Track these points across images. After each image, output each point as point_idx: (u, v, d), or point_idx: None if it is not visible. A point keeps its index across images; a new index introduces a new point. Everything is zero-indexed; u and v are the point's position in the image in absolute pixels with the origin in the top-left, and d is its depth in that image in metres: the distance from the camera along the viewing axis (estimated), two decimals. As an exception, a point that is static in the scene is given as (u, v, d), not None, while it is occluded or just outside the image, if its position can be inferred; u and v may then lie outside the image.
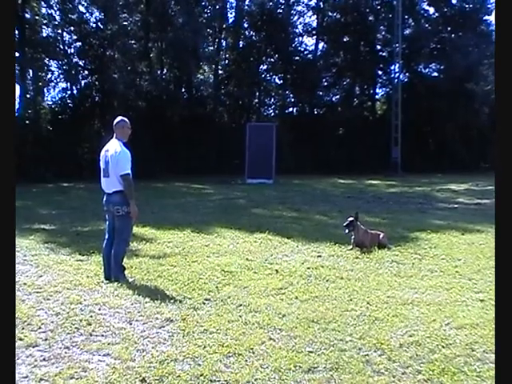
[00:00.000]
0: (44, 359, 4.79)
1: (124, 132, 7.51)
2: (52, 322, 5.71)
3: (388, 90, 40.09)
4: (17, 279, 7.22)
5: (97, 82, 30.77)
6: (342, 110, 39.23)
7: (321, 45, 40.42)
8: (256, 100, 38.42)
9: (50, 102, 31.01)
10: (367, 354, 4.95)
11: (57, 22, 30.05)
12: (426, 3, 40.64)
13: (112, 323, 5.72)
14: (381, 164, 33.48)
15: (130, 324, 5.71)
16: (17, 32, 25.61)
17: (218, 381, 4.40)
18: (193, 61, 31.88)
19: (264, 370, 4.58)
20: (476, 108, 40.07)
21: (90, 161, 23.01)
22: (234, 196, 19.76)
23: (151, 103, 31.34)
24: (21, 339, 5.15)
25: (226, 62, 37.99)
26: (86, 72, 31.06)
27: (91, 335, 5.38)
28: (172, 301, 6.43)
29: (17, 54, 24.79)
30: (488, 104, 39.52)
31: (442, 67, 40.04)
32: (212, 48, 36.70)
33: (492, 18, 40.12)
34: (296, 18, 39.34)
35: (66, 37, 30.77)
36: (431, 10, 40.68)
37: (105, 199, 7.51)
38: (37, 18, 29.40)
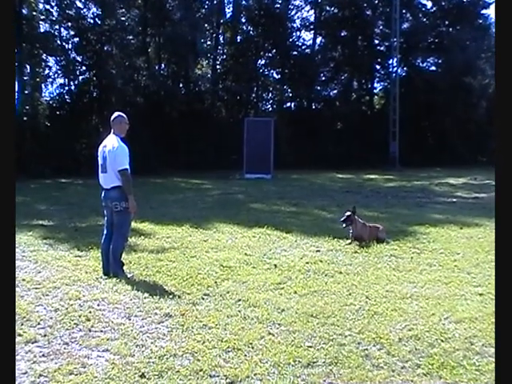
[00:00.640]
0: (43, 355, 4.79)
1: (121, 127, 7.50)
2: (51, 318, 5.70)
3: (386, 84, 40.10)
4: (15, 275, 7.22)
5: (95, 78, 30.70)
6: (340, 105, 39.22)
7: (318, 39, 40.45)
8: (254, 95, 38.35)
9: (48, 98, 30.97)
10: (366, 349, 4.96)
11: (54, 18, 29.94)
12: (423, -3, 40.63)
13: (111, 319, 5.72)
14: (379, 158, 33.46)
15: (129, 319, 5.71)
16: (14, 28, 25.52)
17: (218, 376, 4.40)
18: (191, 56, 31.86)
19: (263, 365, 4.58)
20: (474, 102, 40.10)
21: (88, 156, 22.94)
22: (232, 191, 19.75)
23: (149, 98, 31.32)
24: (20, 335, 5.15)
25: (224, 56, 37.91)
26: (84, 67, 30.96)
27: (90, 331, 5.38)
28: (171, 296, 6.43)
29: (14, 50, 24.71)
30: (486, 98, 39.59)
31: (439, 61, 40.04)
32: (210, 43, 36.62)
33: (489, 12, 40.16)
34: (294, 12, 39.38)
35: (64, 32, 30.72)
36: (429, 3, 40.71)
37: (103, 195, 7.50)
38: (34, 13, 29.25)
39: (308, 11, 39.96)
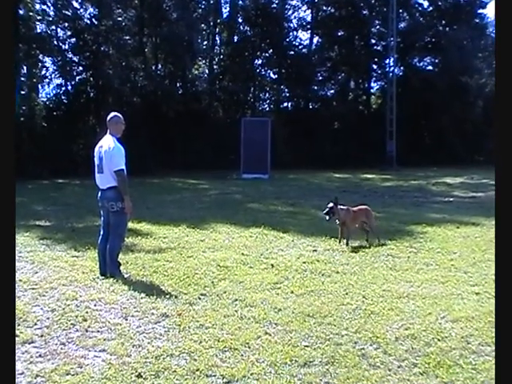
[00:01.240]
0: (40, 355, 4.79)
1: (117, 127, 7.50)
2: (48, 319, 5.70)
3: (383, 84, 40.08)
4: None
5: (91, 78, 30.65)
6: (337, 105, 39.23)
7: (315, 39, 40.46)
8: (251, 95, 38.33)
9: (45, 99, 30.91)
10: (363, 348, 4.96)
11: (51, 18, 29.89)
12: (420, -3, 40.66)
13: (108, 319, 5.72)
14: (376, 158, 33.48)
15: (126, 319, 5.71)
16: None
17: (214, 375, 4.40)
18: (187, 56, 31.82)
19: (260, 365, 4.58)
20: (471, 101, 40.16)
21: (85, 157, 22.84)
22: (229, 191, 19.75)
23: (146, 99, 31.30)
24: (17, 336, 5.13)
25: (221, 56, 37.90)
26: (81, 68, 30.91)
27: (87, 331, 5.38)
28: (168, 296, 6.43)
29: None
30: (482, 97, 39.66)
31: (436, 61, 40.12)
32: (207, 43, 36.65)
33: (486, 11, 40.29)
34: (290, 12, 39.41)
35: (60, 33, 30.67)
36: (426, 3, 40.74)
37: (99, 195, 7.50)
38: (31, 13, 29.16)
39: (305, 11, 40.06)
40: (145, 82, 31.94)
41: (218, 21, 37.06)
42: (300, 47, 39.36)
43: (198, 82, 35.77)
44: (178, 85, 35.09)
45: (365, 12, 39.86)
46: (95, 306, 6.15)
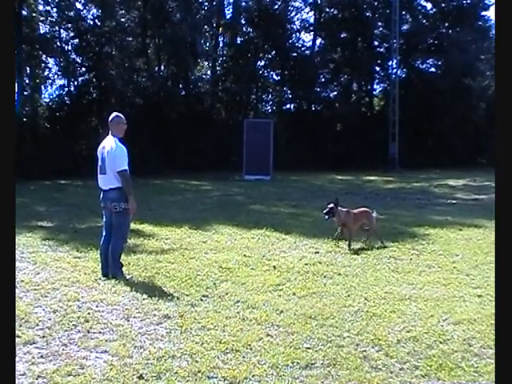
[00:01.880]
0: (41, 356, 4.79)
1: (119, 128, 7.50)
2: (49, 319, 5.70)
3: (385, 85, 40.03)
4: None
5: (94, 79, 30.71)
6: (339, 106, 39.19)
7: (318, 41, 40.42)
8: (253, 96, 38.30)
9: (48, 99, 31.04)
10: (365, 350, 4.96)
11: (54, 19, 29.98)
12: (423, -1, 40.61)
13: (109, 320, 5.72)
14: (378, 160, 33.44)
15: (128, 321, 5.71)
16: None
17: (216, 377, 4.40)
18: (190, 57, 31.83)
19: (261, 367, 4.58)
20: (473, 103, 40.06)
21: (87, 158, 22.94)
22: (231, 192, 19.75)
23: (149, 100, 31.31)
24: (18, 336, 5.14)
25: (224, 58, 37.87)
26: (84, 69, 30.99)
27: (89, 332, 5.38)
28: (169, 297, 6.43)
29: (14, 51, 24.72)
30: (485, 99, 39.55)
31: (439, 63, 40.01)
32: (209, 44, 36.67)
33: (489, 14, 40.17)
34: (293, 13, 39.33)
35: (63, 34, 30.74)
36: (429, 5, 40.59)
37: (102, 196, 7.49)
38: (34, 14, 29.31)
39: (308, 13, 40.01)
40: (147, 83, 31.96)
41: (221, 22, 37.08)
42: (303, 49, 39.35)
43: (201, 84, 35.82)
44: (180, 86, 35.11)
45: (368, 14, 39.85)
46: (97, 307, 6.15)
